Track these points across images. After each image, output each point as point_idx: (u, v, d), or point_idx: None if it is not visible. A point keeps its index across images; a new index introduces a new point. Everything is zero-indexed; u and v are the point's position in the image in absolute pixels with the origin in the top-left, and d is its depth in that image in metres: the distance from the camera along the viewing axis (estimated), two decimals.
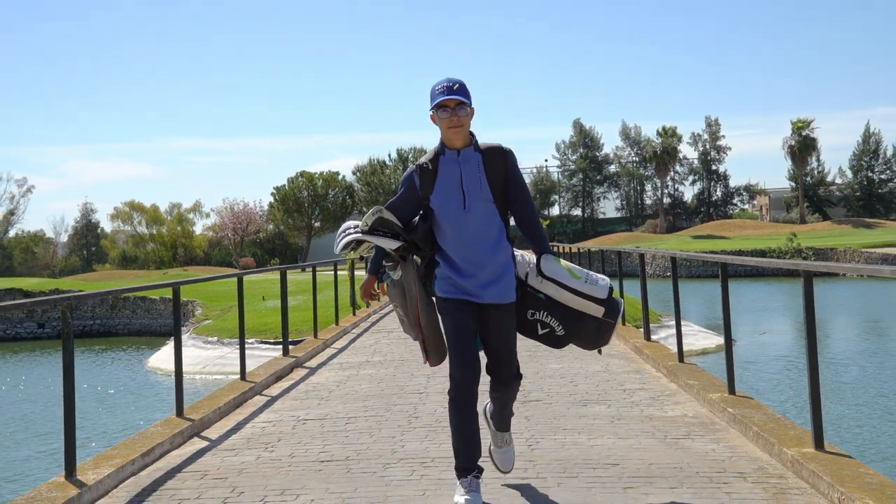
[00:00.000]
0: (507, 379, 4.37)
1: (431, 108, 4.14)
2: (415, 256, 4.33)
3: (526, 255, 4.42)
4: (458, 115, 4.08)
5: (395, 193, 4.38)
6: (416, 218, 4.29)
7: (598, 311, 4.20)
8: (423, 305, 4.30)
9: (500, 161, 4.20)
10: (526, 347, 10.59)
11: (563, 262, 4.27)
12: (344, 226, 4.41)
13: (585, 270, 4.26)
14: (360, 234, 4.24)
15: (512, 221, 4.40)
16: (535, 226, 4.34)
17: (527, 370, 8.76)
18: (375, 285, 4.57)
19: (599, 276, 4.28)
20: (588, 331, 4.25)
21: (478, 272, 4.14)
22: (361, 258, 4.50)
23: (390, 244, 4.21)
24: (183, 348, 7.37)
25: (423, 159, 4.25)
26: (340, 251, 4.35)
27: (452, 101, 4.07)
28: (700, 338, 18.09)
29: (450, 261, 4.19)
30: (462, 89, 4.08)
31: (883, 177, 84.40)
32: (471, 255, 4.14)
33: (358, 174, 68.96)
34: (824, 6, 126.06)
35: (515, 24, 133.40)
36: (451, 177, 4.16)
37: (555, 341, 4.31)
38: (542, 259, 4.24)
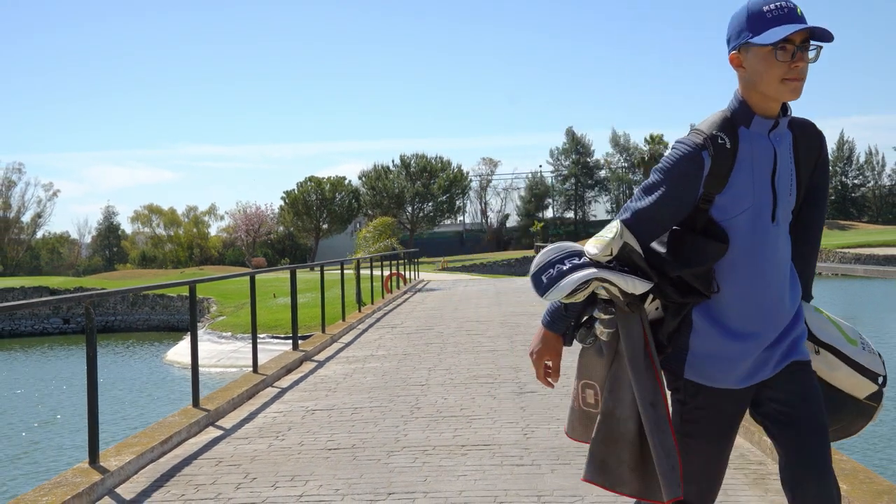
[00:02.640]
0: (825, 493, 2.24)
1: (752, 42, 2.20)
2: (652, 303, 2.38)
3: None
4: (804, 60, 2.20)
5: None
6: (662, 236, 2.36)
7: (867, 389, 2.45)
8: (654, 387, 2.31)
9: (815, 147, 2.39)
10: (523, 342, 10.62)
11: (825, 312, 2.50)
12: (552, 253, 2.35)
13: (856, 330, 2.52)
14: (598, 271, 2.24)
15: None
16: (815, 255, 2.53)
17: (522, 363, 8.78)
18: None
19: (866, 337, 2.54)
20: (847, 418, 2.48)
21: (765, 330, 2.29)
22: (565, 306, 2.39)
23: (638, 285, 2.25)
24: (199, 343, 7.37)
25: (706, 127, 2.27)
26: (567, 296, 2.27)
27: (800, 36, 2.17)
28: None
29: (719, 313, 2.30)
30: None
31: (856, 181, 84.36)
32: (766, 301, 2.29)
33: (363, 179, 68.87)
34: None
35: (513, 38, 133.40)
36: (757, 165, 2.27)
37: None
38: (806, 314, 2.44)
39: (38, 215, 79.74)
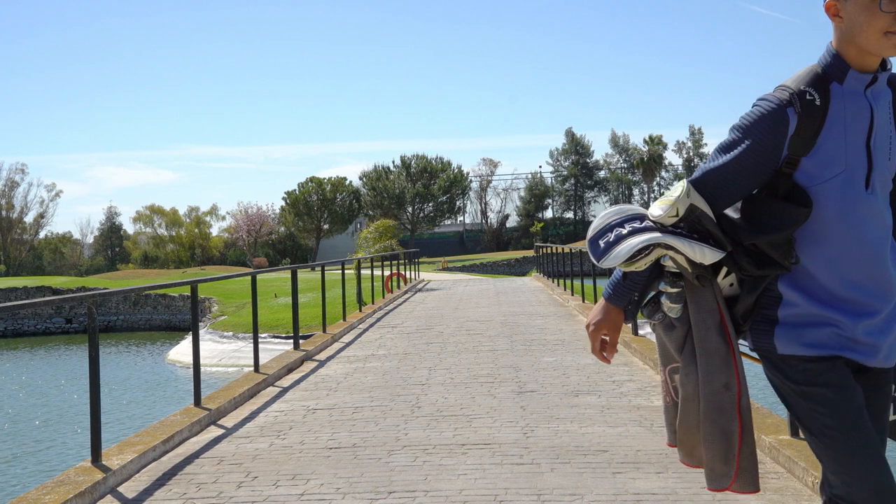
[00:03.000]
0: None
1: None
2: (726, 277, 2.16)
3: None
4: None
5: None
6: (736, 209, 2.10)
7: None
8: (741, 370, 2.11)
9: None
10: (523, 341, 10.62)
11: None
12: (612, 216, 2.14)
13: None
14: (661, 236, 2.02)
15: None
16: None
17: (522, 363, 8.79)
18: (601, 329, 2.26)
19: None
20: None
21: (881, 305, 2.02)
22: (625, 276, 2.20)
23: (707, 254, 2.02)
24: (200, 342, 7.38)
25: (793, 82, 2.01)
26: (626, 263, 2.07)
27: None
28: None
29: (809, 288, 2.03)
30: None
31: None
32: (870, 273, 2.01)
33: (364, 179, 68.92)
34: (799, 22, 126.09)
35: (514, 39, 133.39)
36: (851, 125, 1.99)
37: None
38: None
39: (41, 216, 79.82)
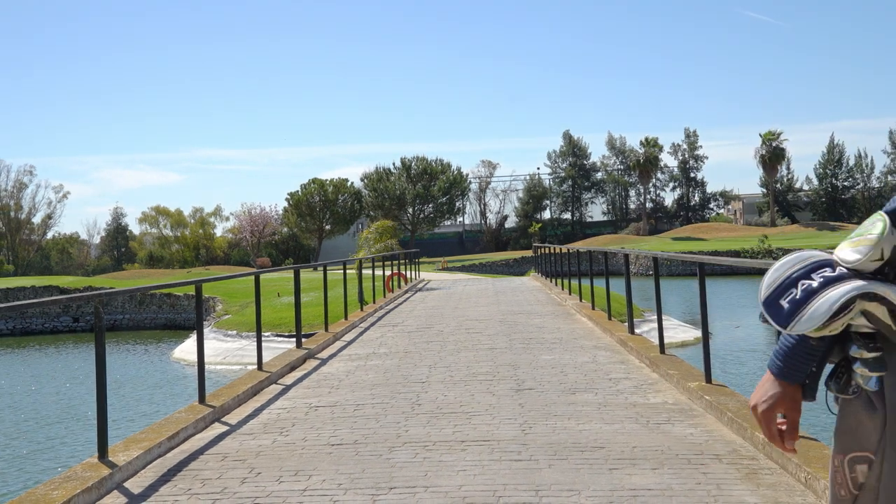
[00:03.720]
0: None
1: None
2: None
3: None
4: None
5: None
6: None
7: None
8: None
9: None
10: (521, 340, 10.62)
11: None
12: (791, 265, 1.65)
13: None
14: (867, 284, 1.55)
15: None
16: None
17: (520, 361, 8.79)
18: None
19: None
20: None
21: None
22: (803, 341, 1.70)
23: None
24: (205, 341, 7.38)
25: None
26: (825, 323, 1.55)
27: None
28: (679, 331, 18.06)
29: None
30: None
31: (846, 184, 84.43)
32: None
33: (365, 181, 68.85)
34: (792, 30, 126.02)
35: (512, 43, 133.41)
36: None
37: None
38: None
39: (49, 216, 79.81)
